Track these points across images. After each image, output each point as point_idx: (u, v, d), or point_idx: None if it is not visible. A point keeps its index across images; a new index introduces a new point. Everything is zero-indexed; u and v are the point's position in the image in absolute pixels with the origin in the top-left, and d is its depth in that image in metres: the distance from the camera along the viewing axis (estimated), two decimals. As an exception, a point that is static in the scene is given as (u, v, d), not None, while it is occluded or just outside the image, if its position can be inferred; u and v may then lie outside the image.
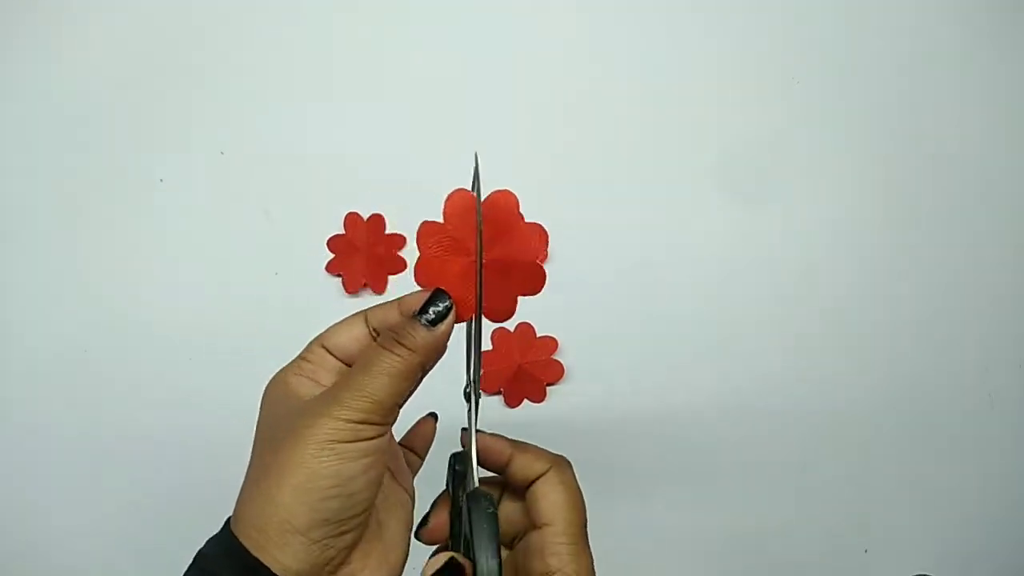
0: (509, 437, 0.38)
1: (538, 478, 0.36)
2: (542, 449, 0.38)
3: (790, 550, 0.63)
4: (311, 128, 0.67)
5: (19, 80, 0.67)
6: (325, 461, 0.31)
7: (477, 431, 0.37)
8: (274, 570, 0.30)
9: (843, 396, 0.66)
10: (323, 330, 0.37)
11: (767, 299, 0.67)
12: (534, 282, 0.36)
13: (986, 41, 0.74)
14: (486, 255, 0.36)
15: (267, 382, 0.36)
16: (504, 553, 0.38)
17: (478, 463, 0.37)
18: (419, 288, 0.36)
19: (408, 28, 0.70)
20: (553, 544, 0.35)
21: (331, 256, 0.64)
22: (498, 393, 0.63)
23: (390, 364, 0.33)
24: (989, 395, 0.67)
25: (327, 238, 0.64)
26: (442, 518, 0.38)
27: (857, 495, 0.64)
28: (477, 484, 0.37)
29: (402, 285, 0.65)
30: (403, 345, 0.33)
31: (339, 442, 0.31)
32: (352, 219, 0.65)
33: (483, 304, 0.36)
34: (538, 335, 0.64)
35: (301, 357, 0.36)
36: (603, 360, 0.64)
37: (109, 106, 0.66)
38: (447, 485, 0.40)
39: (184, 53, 0.68)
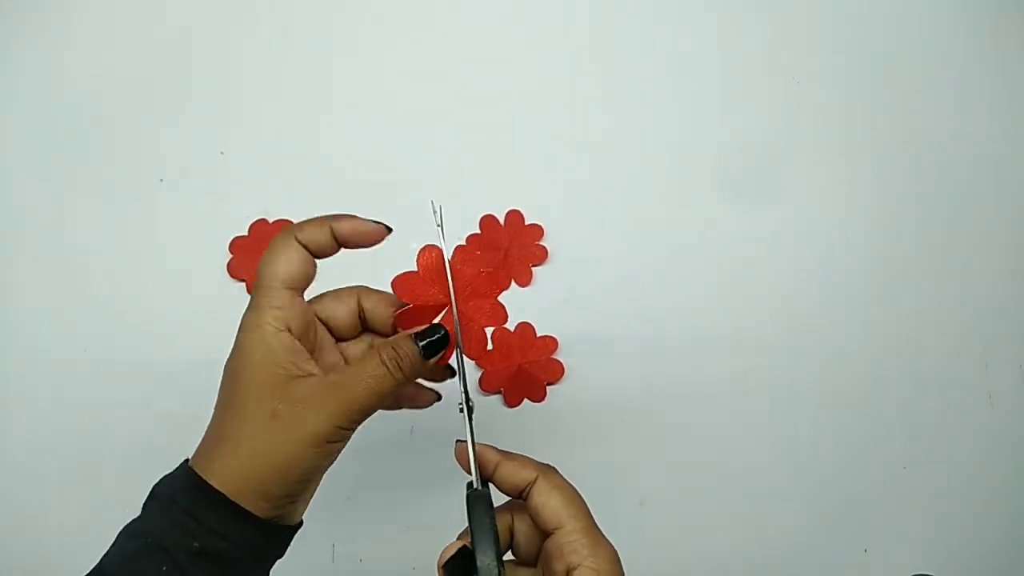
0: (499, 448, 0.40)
1: (528, 488, 0.38)
2: (528, 458, 0.39)
3: (790, 549, 0.63)
4: (311, 128, 0.67)
5: (18, 80, 0.67)
6: (312, 454, 0.36)
7: (473, 441, 0.39)
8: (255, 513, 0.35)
9: (843, 395, 0.66)
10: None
11: (767, 299, 0.67)
12: (495, 317, 0.42)
13: (986, 41, 0.75)
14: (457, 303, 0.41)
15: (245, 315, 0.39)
16: (529, 572, 0.39)
17: (468, 470, 0.39)
18: None
19: (409, 27, 0.70)
20: (568, 544, 0.36)
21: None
22: (498, 393, 0.63)
23: (383, 383, 0.37)
24: (989, 395, 0.67)
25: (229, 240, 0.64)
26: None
27: (857, 494, 0.64)
28: (478, 488, 0.38)
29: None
30: (401, 369, 0.37)
31: (330, 442, 0.36)
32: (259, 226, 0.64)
33: (462, 342, 0.41)
34: (538, 335, 0.64)
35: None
36: (603, 360, 0.64)
37: (109, 106, 0.66)
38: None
39: (184, 53, 0.68)
